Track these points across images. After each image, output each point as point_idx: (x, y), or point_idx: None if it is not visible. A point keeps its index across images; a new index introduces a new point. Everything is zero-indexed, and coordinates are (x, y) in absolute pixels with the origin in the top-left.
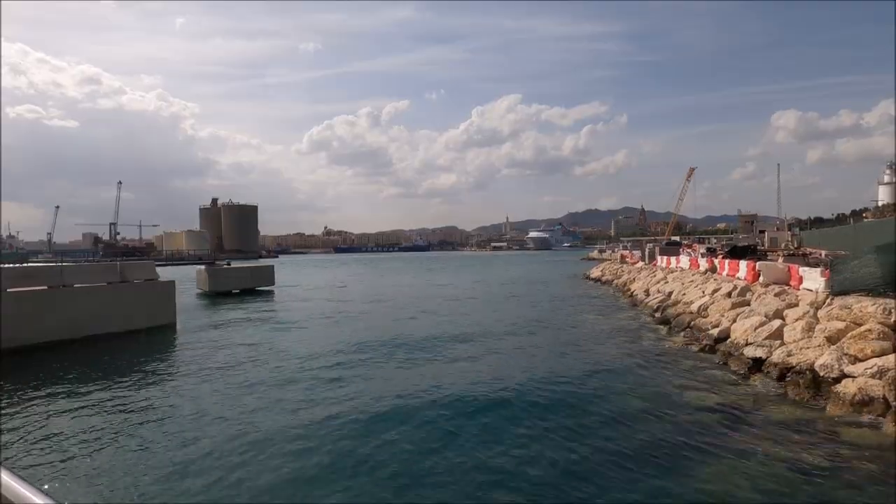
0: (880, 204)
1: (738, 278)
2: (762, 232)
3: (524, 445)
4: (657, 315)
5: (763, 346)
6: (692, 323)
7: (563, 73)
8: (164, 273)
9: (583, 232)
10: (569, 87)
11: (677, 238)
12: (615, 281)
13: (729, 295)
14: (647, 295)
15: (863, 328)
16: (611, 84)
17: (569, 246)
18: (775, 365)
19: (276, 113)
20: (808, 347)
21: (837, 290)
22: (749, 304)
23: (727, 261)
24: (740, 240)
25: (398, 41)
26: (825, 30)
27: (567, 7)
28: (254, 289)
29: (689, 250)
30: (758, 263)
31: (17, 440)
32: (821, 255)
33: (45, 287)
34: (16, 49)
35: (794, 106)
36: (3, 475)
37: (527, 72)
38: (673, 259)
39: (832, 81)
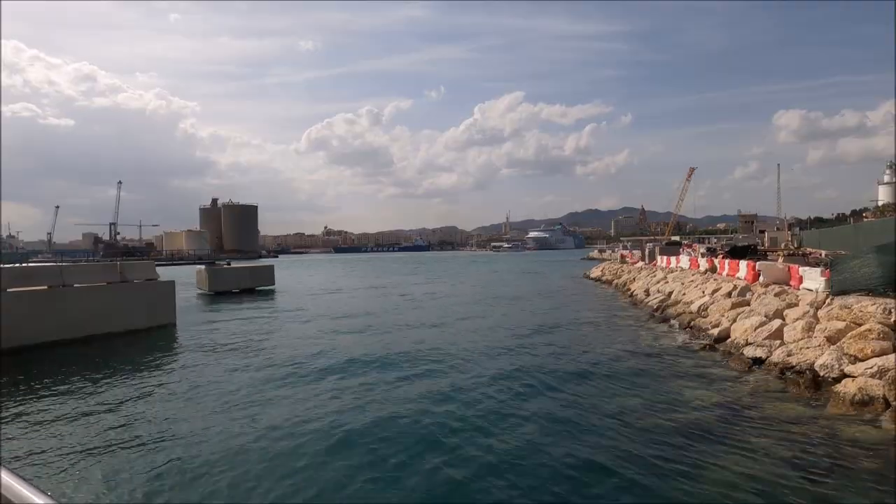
0: (880, 204)
1: (738, 278)
2: (762, 232)
3: (519, 442)
4: (657, 315)
5: (763, 346)
6: (692, 323)
7: (565, 72)
8: (164, 273)
9: (583, 232)
10: (571, 87)
11: (677, 238)
12: (615, 281)
13: (729, 295)
14: (648, 295)
15: (863, 328)
16: (614, 83)
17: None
18: (775, 365)
19: (277, 112)
20: (808, 347)
21: (837, 289)
22: (749, 304)
23: (727, 261)
24: (740, 240)
25: (401, 40)
26: (829, 29)
27: (572, 7)
28: (254, 289)
29: (689, 250)
30: (758, 263)
31: (17, 440)
32: (821, 254)
33: (45, 287)
34: (11, 46)
35: (798, 105)
36: (3, 475)
37: (530, 71)
38: (673, 259)
39: (836, 81)
